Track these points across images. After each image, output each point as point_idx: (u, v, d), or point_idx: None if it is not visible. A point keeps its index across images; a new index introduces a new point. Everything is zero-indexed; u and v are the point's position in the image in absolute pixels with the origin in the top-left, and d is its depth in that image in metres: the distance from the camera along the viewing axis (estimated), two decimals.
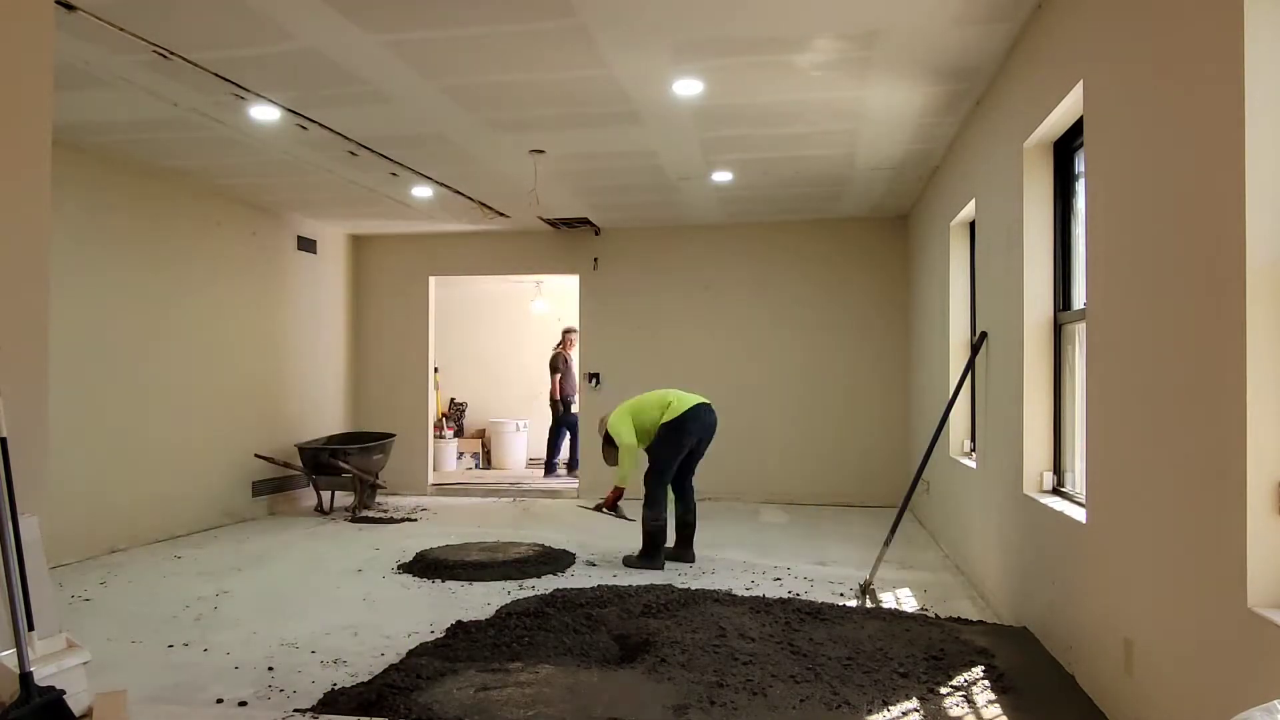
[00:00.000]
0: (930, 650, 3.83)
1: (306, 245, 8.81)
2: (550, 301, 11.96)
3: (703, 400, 6.07)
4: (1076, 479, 3.91)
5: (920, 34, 4.16)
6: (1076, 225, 3.99)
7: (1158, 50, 2.67)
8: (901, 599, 4.95)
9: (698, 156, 6.33)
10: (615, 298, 9.29)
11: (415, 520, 7.86)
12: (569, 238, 9.31)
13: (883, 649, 3.84)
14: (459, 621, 4.33)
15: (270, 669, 3.76)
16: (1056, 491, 4.06)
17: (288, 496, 8.47)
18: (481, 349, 12.37)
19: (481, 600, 4.89)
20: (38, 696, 2.81)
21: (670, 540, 6.00)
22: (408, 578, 5.51)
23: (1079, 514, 3.49)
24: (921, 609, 4.71)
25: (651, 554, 5.86)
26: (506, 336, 12.34)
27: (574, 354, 10.39)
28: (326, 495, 8.28)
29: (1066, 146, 4.01)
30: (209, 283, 7.41)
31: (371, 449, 8.32)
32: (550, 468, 10.86)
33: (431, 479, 9.75)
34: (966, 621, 4.40)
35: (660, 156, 6.33)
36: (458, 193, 7.44)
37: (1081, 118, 3.51)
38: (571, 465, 10.55)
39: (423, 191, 7.35)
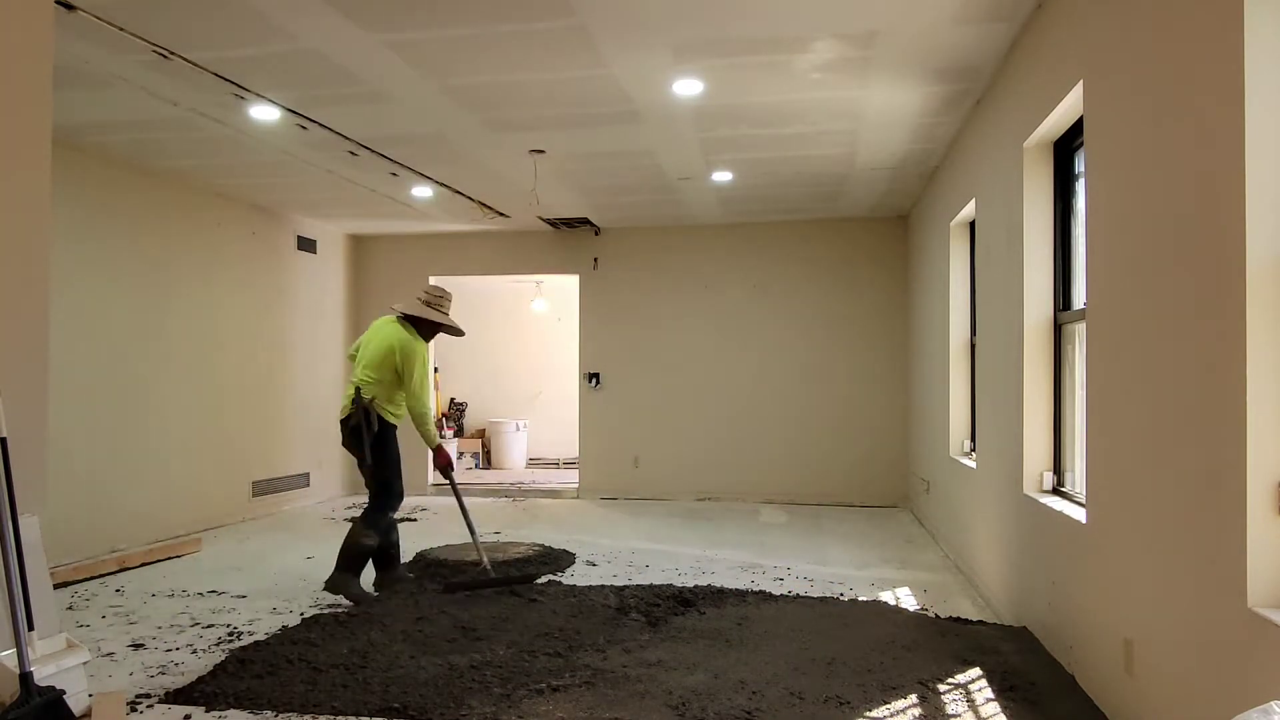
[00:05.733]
0: (930, 650, 3.83)
1: (306, 245, 8.81)
2: (550, 301, 11.97)
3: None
4: (1076, 479, 3.91)
5: (920, 34, 4.16)
6: (1076, 225, 3.99)
7: (1157, 50, 2.67)
8: (901, 599, 4.96)
9: (698, 156, 6.33)
10: (615, 297, 9.29)
11: (415, 520, 7.86)
12: (569, 238, 9.32)
13: (882, 648, 3.85)
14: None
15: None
16: (1056, 491, 4.06)
17: (287, 496, 8.48)
18: (481, 349, 12.37)
19: (482, 600, 4.89)
20: (38, 696, 2.81)
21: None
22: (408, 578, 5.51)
23: (1079, 514, 3.49)
24: (921, 609, 4.71)
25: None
26: (506, 336, 12.34)
27: None
28: None
29: (1066, 146, 4.01)
30: (209, 282, 7.41)
31: None
32: None
33: (431, 479, 9.75)
34: (966, 621, 4.40)
35: (660, 156, 6.33)
36: (458, 193, 7.44)
37: (1081, 118, 3.51)
38: None
39: (423, 191, 7.36)
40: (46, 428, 3.33)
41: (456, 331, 5.41)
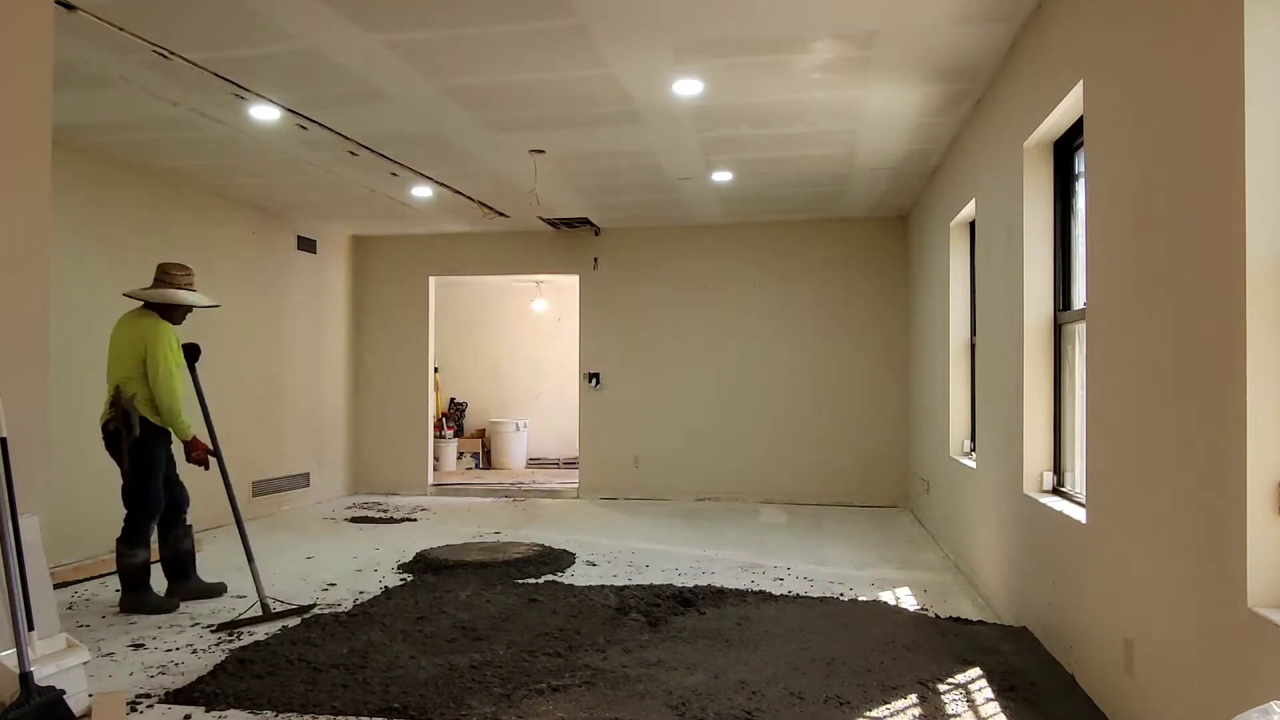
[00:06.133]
0: (930, 650, 3.83)
1: (306, 245, 8.81)
2: (550, 301, 11.97)
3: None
4: (1076, 479, 3.91)
5: (920, 34, 4.16)
6: (1076, 225, 3.99)
7: (1158, 50, 2.67)
8: (901, 599, 4.95)
9: (698, 156, 6.33)
10: (615, 297, 9.29)
11: (415, 520, 7.86)
12: (569, 238, 9.32)
13: (882, 648, 3.85)
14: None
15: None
16: (1056, 491, 4.06)
17: (287, 497, 8.48)
18: (481, 349, 12.38)
19: (482, 600, 4.89)
20: (38, 696, 2.81)
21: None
22: (408, 577, 5.51)
23: (1079, 514, 3.49)
24: (921, 609, 4.71)
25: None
26: (506, 336, 12.35)
27: None
28: None
29: (1066, 146, 4.02)
30: (209, 283, 7.37)
31: None
32: None
33: (431, 479, 9.76)
34: (966, 621, 4.40)
35: (660, 156, 6.33)
36: (458, 193, 7.44)
37: (1081, 118, 3.51)
38: None
39: (423, 191, 7.36)
40: (46, 428, 3.33)
41: (209, 305, 5.08)
